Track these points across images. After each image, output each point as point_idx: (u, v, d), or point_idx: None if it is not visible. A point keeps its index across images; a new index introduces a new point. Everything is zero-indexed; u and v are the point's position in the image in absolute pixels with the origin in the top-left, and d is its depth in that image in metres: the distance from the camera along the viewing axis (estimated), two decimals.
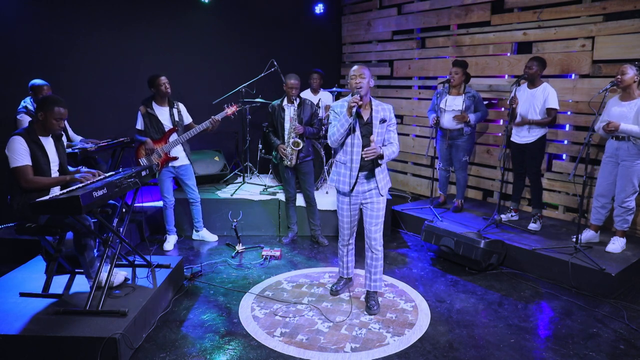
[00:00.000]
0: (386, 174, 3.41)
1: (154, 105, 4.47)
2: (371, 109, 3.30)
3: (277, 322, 3.32)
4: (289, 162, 4.65)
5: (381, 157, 3.21)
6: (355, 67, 3.23)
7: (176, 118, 4.53)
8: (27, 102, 4.28)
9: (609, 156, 4.07)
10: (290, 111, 4.61)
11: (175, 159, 4.56)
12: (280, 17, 6.82)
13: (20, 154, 3.00)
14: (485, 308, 3.58)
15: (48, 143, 3.20)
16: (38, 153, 3.09)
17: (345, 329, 3.23)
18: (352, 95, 3.13)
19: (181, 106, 4.64)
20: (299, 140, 4.56)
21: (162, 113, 4.49)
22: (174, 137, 4.53)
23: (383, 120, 3.27)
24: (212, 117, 4.56)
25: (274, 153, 4.81)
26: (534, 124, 4.47)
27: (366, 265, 3.48)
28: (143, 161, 4.46)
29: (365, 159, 3.19)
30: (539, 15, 5.05)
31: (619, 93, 4.01)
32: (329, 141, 3.33)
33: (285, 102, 4.64)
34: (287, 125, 4.61)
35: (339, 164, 3.38)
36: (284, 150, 4.62)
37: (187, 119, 4.68)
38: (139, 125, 4.49)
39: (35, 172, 3.07)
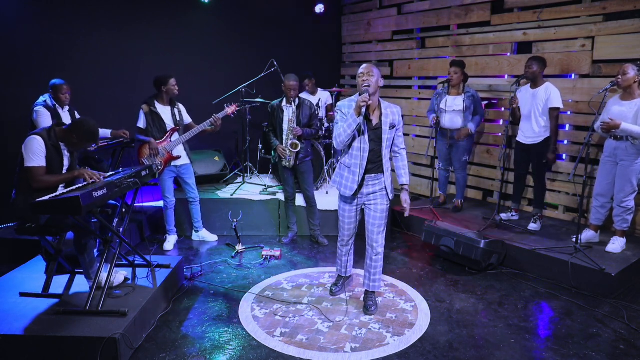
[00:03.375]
0: (391, 179, 3.34)
1: (157, 104, 4.50)
2: (380, 112, 3.15)
3: (277, 322, 3.32)
4: (287, 163, 4.63)
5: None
6: (364, 65, 3.10)
7: (177, 118, 4.59)
8: (47, 98, 4.27)
9: (607, 156, 4.07)
10: (289, 112, 4.57)
11: (178, 158, 4.59)
12: (280, 17, 6.82)
13: (37, 154, 3.01)
14: (485, 308, 3.58)
15: (64, 148, 3.23)
16: (54, 156, 3.11)
17: (345, 329, 3.23)
18: (360, 95, 2.98)
19: (181, 106, 4.69)
20: (297, 142, 4.52)
21: (165, 112, 4.53)
22: (175, 136, 4.57)
23: (392, 126, 3.16)
24: (214, 115, 4.60)
25: (273, 153, 4.79)
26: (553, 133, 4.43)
27: (366, 265, 3.45)
28: (145, 161, 4.44)
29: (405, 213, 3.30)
30: (539, 15, 5.05)
31: (619, 93, 4.01)
32: (334, 142, 3.19)
33: (284, 102, 4.61)
34: (285, 126, 4.59)
35: (344, 166, 3.27)
36: (283, 151, 4.60)
37: (187, 119, 4.73)
38: (141, 123, 4.46)
39: (46, 173, 3.08)
